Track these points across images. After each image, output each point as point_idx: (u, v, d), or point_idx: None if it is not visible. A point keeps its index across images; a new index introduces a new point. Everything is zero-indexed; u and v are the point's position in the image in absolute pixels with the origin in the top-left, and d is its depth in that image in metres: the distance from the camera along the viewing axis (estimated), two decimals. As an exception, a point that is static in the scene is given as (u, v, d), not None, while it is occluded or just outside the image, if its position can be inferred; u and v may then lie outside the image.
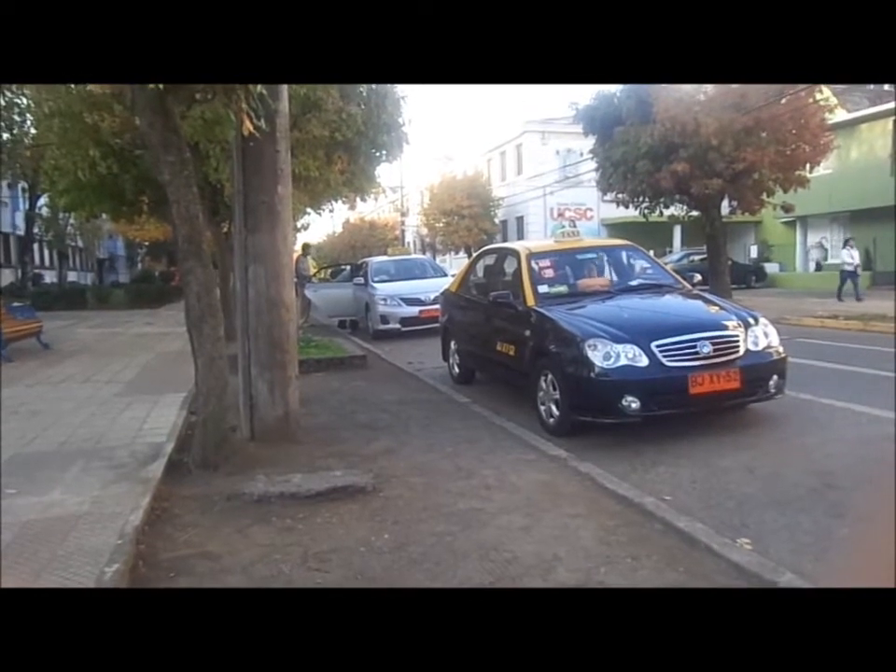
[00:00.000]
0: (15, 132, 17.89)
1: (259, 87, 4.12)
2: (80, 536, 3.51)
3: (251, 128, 4.32)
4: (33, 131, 15.60)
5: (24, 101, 11.75)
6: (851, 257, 17.05)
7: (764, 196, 17.24)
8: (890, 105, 20.00)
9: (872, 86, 26.68)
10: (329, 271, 18.83)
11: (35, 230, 29.97)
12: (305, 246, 17.62)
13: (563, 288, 6.51)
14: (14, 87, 9.52)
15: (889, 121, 20.67)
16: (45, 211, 28.40)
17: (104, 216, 15.72)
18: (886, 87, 24.60)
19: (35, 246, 32.55)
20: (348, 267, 17.65)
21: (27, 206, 28.17)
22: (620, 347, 5.17)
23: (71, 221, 30.59)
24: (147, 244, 37.18)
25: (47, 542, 3.41)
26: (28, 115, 14.23)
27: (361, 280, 14.50)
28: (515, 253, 7.05)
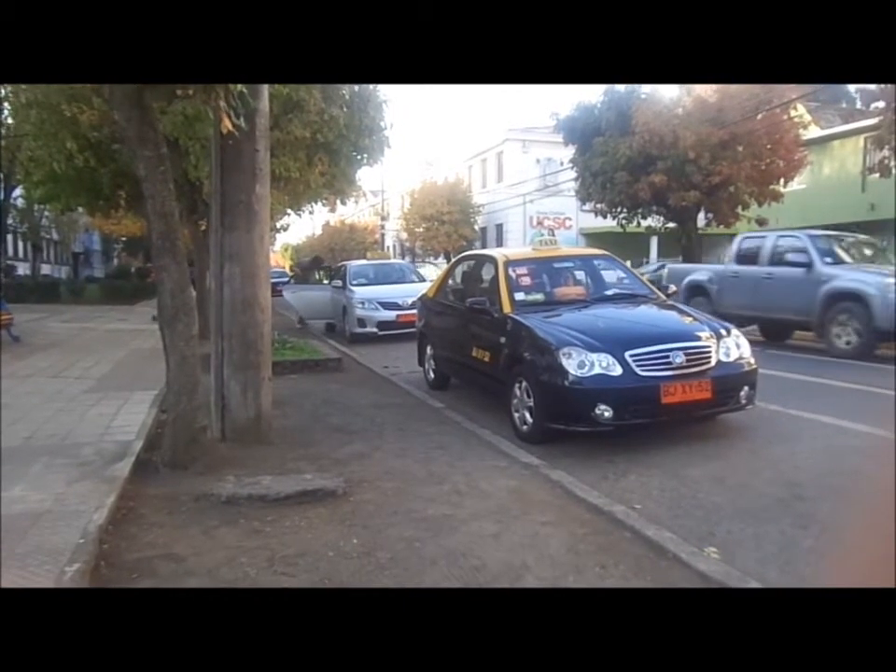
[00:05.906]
0: (-10, 121, 17.62)
1: (238, 85, 4.09)
2: (41, 534, 3.43)
3: (229, 126, 4.29)
4: (9, 121, 15.36)
5: (1, 91, 11.56)
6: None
7: (739, 209, 17.48)
8: (862, 124, 20.40)
9: (844, 104, 27.10)
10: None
11: (10, 221, 29.46)
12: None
13: (539, 296, 6.54)
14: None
15: (861, 139, 21.05)
16: (20, 202, 27.95)
17: (79, 209, 15.49)
18: (858, 105, 25.03)
19: (9, 238, 31.99)
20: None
21: (2, 197, 27.66)
22: (594, 356, 5.20)
23: (46, 213, 30.11)
24: (123, 239, 36.67)
25: (5, 540, 3.33)
26: (5, 104, 14.01)
27: (339, 283, 14.46)
28: (493, 260, 7.06)
